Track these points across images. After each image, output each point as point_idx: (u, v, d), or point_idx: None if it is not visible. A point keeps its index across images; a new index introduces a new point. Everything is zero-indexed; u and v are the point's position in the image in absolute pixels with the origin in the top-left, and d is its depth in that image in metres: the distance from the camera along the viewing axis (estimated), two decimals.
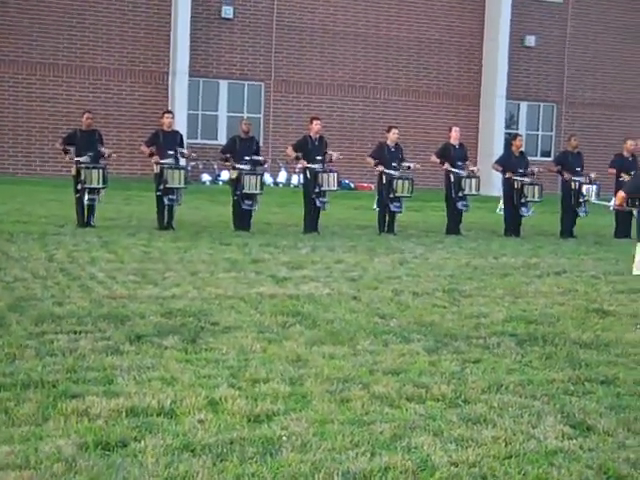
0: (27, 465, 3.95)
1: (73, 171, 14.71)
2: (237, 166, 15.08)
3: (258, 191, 15.11)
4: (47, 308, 7.39)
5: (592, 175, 16.72)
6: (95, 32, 26.56)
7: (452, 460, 4.20)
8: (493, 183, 24.03)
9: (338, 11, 29.38)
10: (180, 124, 22.65)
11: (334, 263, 11.15)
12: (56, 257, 10.63)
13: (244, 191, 14.91)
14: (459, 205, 16.24)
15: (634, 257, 11.32)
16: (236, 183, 15.11)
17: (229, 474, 3.95)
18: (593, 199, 16.50)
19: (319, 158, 15.28)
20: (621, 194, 10.96)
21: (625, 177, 16.01)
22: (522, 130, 31.10)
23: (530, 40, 31.99)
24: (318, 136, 15.52)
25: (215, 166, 26.54)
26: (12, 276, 9.00)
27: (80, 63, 26.52)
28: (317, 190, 15.09)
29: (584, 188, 16.56)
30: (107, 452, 4.17)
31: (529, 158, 17.35)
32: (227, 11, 28.01)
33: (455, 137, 16.70)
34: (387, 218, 15.72)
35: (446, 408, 5.07)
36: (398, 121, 25.78)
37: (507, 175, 16.47)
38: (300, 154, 15.35)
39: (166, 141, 15.04)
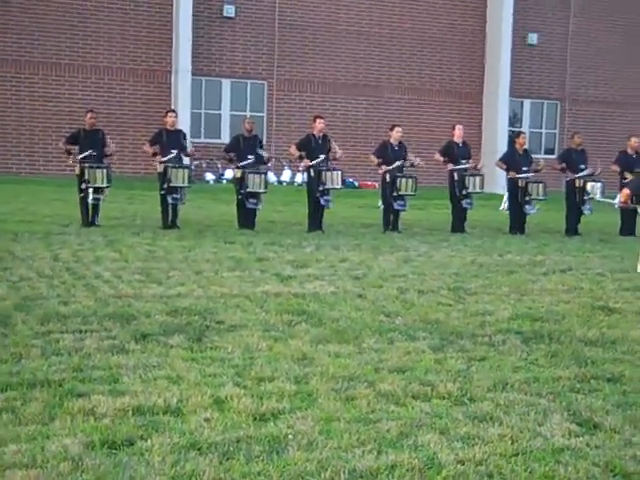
0: (34, 464, 3.96)
1: (77, 170, 14.69)
2: (241, 164, 15.07)
3: (262, 190, 15.08)
4: (53, 307, 7.40)
5: (598, 165, 16.57)
6: (97, 31, 26.53)
7: (458, 458, 4.20)
8: (497, 181, 24.03)
9: (341, 9, 29.35)
10: (183, 123, 22.65)
11: (339, 261, 11.14)
12: (61, 256, 10.63)
13: (248, 190, 14.90)
14: (463, 203, 16.23)
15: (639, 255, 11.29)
16: (240, 182, 15.09)
17: (235, 473, 3.95)
18: (598, 197, 16.48)
19: (322, 156, 15.25)
20: (626, 191, 10.93)
21: (629, 177, 15.97)
22: (525, 128, 31.02)
23: (533, 38, 31.95)
24: (321, 135, 15.49)
25: (219, 165, 26.52)
26: (18, 276, 9.01)
27: (82, 62, 26.49)
28: (321, 188, 15.08)
29: (588, 186, 16.54)
30: (113, 451, 4.18)
31: (533, 156, 17.32)
32: (229, 10, 27.97)
33: (458, 135, 16.69)
34: (391, 217, 15.72)
35: (452, 406, 5.07)
36: (401, 119, 25.79)
37: (510, 175, 16.47)
38: (304, 153, 15.33)
39: (169, 140, 15.04)
